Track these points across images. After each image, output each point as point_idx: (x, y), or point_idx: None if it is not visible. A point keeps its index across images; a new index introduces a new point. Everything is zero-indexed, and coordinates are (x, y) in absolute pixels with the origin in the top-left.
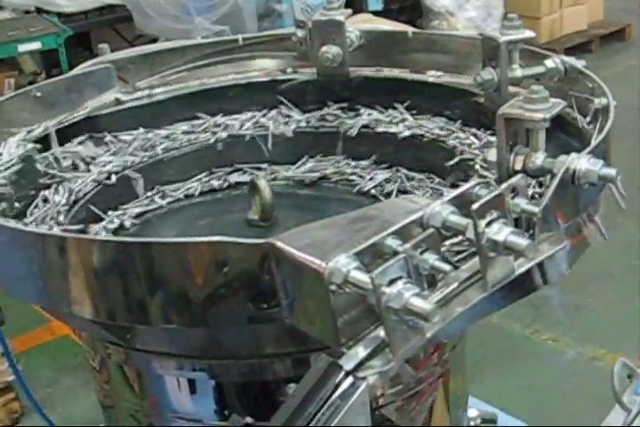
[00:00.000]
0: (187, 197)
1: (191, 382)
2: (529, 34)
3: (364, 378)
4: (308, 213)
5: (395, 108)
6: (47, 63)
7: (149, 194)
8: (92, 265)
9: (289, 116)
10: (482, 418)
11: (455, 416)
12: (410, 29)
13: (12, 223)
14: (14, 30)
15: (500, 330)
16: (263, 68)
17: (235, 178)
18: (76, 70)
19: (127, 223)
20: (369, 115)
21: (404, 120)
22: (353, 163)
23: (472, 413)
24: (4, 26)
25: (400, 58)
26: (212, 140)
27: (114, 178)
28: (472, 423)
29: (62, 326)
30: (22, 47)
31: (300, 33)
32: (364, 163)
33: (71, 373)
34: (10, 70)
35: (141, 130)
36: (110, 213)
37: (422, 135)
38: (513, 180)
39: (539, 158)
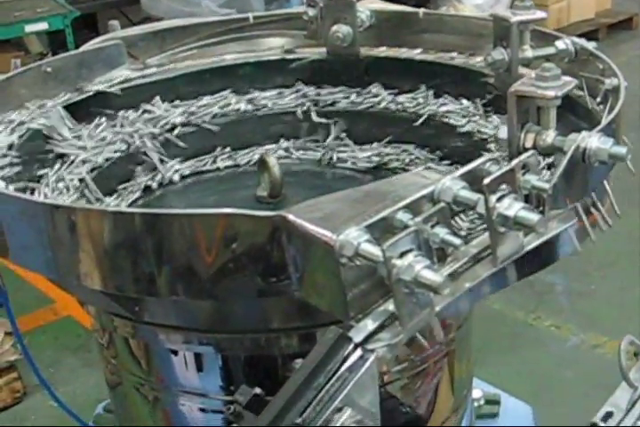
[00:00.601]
0: (195, 174)
1: (198, 357)
2: (540, 14)
3: (372, 351)
4: (315, 191)
5: (405, 89)
6: (54, 44)
7: (157, 170)
8: (102, 236)
9: (303, 95)
10: (485, 399)
11: (459, 396)
12: (421, 10)
13: (22, 194)
14: (21, 11)
15: (503, 317)
16: (273, 46)
17: (243, 156)
18: (87, 46)
19: (137, 198)
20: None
21: (415, 100)
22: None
23: (476, 393)
24: (12, 6)
25: (410, 38)
26: (221, 118)
27: (122, 153)
28: (476, 404)
29: (65, 307)
30: (29, 28)
31: (311, 12)
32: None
33: (73, 353)
34: (16, 51)
35: (151, 106)
36: (119, 188)
37: (434, 116)
38: (524, 156)
39: (549, 136)
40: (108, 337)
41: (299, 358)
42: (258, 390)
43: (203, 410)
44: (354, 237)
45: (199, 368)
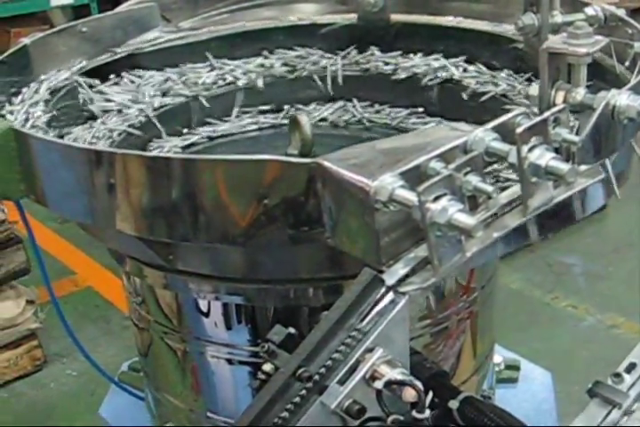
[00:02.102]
0: (224, 135)
1: (227, 307)
2: None
3: (404, 293)
4: None
5: (433, 55)
6: (78, 19)
7: (186, 131)
8: (140, 182)
9: (328, 59)
10: (505, 364)
11: (481, 358)
12: None
13: (63, 140)
14: None
15: (521, 296)
16: (304, 12)
17: (272, 117)
18: (121, 8)
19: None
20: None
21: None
22: (390, 109)
23: (496, 359)
24: None
25: (440, 6)
26: (251, 81)
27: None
28: (496, 369)
29: (86, 279)
30: (55, 1)
31: None
32: (398, 109)
33: (93, 323)
34: (41, 24)
35: (183, 67)
36: (153, 144)
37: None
38: (555, 108)
39: (579, 94)
40: (139, 289)
41: (325, 311)
42: (292, 330)
43: (230, 361)
44: (388, 182)
45: (228, 319)
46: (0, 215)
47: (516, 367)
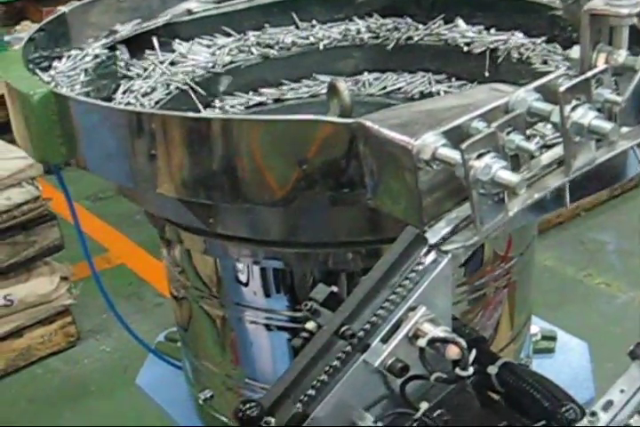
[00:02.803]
0: (258, 104)
1: (266, 271)
2: None
3: (446, 252)
4: None
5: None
6: None
7: (218, 101)
8: (181, 142)
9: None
10: (542, 335)
11: (518, 326)
12: None
13: (105, 102)
14: None
15: (554, 273)
16: None
17: (307, 87)
18: None
19: None
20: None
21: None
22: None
23: (533, 329)
24: None
25: None
26: (286, 51)
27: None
28: (533, 339)
29: (118, 256)
30: None
31: None
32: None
33: (126, 300)
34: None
35: (219, 37)
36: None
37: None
38: (598, 69)
39: (621, 56)
40: (178, 258)
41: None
42: (334, 289)
43: (268, 326)
44: (431, 141)
45: (266, 284)
46: (34, 192)
47: (553, 338)
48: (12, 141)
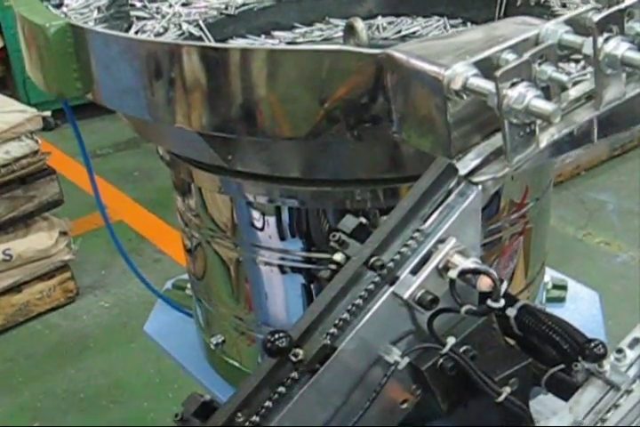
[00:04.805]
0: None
1: (280, 210)
2: None
3: (477, 183)
4: None
5: None
6: None
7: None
8: (201, 74)
9: None
10: (553, 284)
11: (532, 273)
12: None
13: (124, 33)
14: None
15: (554, 232)
16: None
17: (321, 30)
18: None
19: None
20: None
21: None
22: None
23: (544, 278)
24: None
25: None
26: None
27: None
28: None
29: (117, 212)
30: None
31: None
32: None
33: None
34: None
35: None
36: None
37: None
38: (631, 1)
39: None
40: (191, 195)
41: (383, 216)
42: (363, 220)
43: (282, 268)
44: (462, 71)
45: (282, 223)
46: (33, 146)
47: (564, 287)
48: (11, 96)
